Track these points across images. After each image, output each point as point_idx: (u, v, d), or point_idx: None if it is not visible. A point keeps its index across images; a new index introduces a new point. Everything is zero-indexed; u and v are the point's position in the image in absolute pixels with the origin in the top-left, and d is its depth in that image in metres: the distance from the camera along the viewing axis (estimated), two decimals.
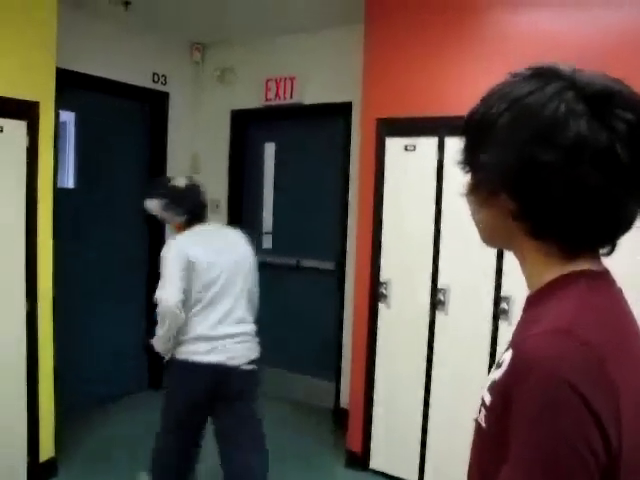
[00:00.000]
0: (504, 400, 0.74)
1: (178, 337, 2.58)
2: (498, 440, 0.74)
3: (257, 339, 2.79)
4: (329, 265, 4.38)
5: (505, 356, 0.77)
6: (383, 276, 3.37)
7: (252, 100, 4.59)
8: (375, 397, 3.44)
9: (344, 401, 4.10)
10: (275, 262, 4.72)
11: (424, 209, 3.21)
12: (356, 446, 3.54)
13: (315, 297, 4.56)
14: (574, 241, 0.81)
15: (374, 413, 3.45)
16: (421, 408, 3.27)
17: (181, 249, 2.61)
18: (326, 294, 4.44)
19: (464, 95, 3.04)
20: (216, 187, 4.88)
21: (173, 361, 2.65)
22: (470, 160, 0.86)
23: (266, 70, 4.49)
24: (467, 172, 0.88)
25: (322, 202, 4.48)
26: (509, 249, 0.90)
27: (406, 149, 3.27)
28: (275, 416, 4.44)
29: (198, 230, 2.75)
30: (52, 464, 3.36)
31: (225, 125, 4.81)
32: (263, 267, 4.76)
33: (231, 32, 4.53)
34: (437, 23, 3.18)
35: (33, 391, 3.19)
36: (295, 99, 4.34)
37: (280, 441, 4.02)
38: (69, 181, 4.23)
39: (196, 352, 2.57)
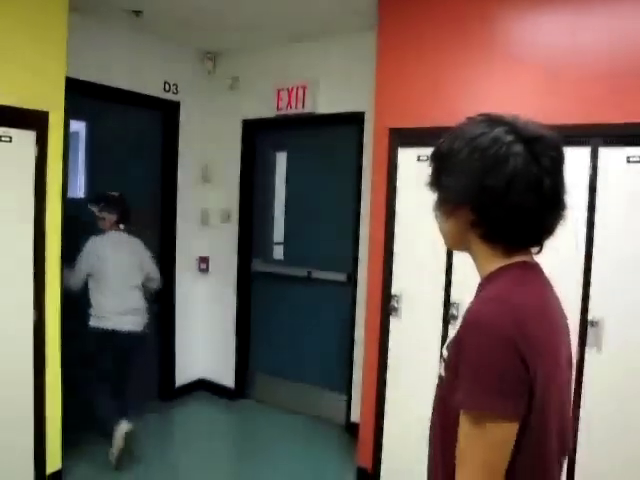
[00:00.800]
0: (457, 351, 1.05)
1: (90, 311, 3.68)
2: (453, 384, 1.04)
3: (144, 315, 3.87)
4: (340, 277, 4.32)
5: (458, 322, 1.09)
6: (395, 289, 3.31)
7: (264, 109, 4.56)
8: (386, 412, 3.37)
9: (355, 415, 4.03)
10: (286, 273, 4.68)
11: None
12: (366, 462, 3.47)
13: (326, 309, 4.50)
14: (513, 243, 1.12)
15: (385, 428, 3.38)
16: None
17: (92, 245, 3.67)
18: (337, 306, 4.38)
19: (477, 106, 3.00)
20: (227, 197, 4.86)
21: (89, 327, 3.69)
22: (437, 182, 1.15)
23: (277, 79, 4.46)
24: (434, 191, 1.17)
25: (334, 212, 4.42)
26: (466, 251, 1.19)
27: (419, 159, 3.21)
28: (285, 428, 4.41)
29: (113, 233, 3.77)
30: (58, 476, 3.33)
31: (236, 134, 4.79)
32: (274, 278, 4.77)
33: (243, 41, 4.50)
34: (450, 33, 3.13)
35: (40, 402, 3.16)
36: (307, 108, 4.30)
37: (290, 454, 3.99)
38: (80, 191, 4.21)
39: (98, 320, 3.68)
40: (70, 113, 3.34)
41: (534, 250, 1.16)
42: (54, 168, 3.14)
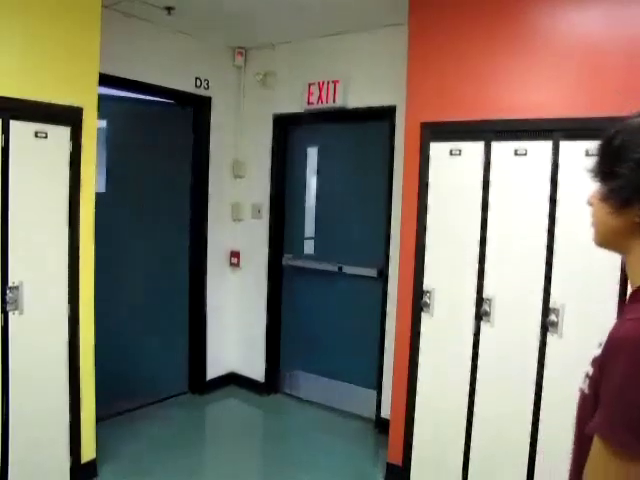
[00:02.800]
0: (601, 370, 0.97)
1: None
2: (594, 402, 0.98)
3: None
4: (371, 272, 4.30)
5: (604, 338, 1.00)
6: (427, 284, 3.27)
7: (294, 104, 4.56)
8: (417, 409, 3.35)
9: (385, 411, 4.01)
10: (317, 268, 4.67)
11: (470, 216, 3.10)
12: (396, 458, 3.45)
13: (357, 304, 4.48)
14: None
15: (415, 425, 3.35)
16: (464, 421, 3.16)
17: None
18: (368, 301, 4.36)
19: (510, 99, 2.99)
20: (258, 192, 4.87)
21: None
22: (609, 171, 1.05)
23: (308, 74, 4.45)
24: (600, 180, 1.08)
25: (365, 207, 4.40)
26: (619, 251, 1.10)
27: (451, 154, 3.17)
28: (315, 423, 4.41)
29: None
30: (93, 465, 3.40)
31: (267, 129, 4.79)
32: (304, 272, 4.77)
33: (273, 36, 4.50)
34: (482, 25, 3.07)
35: (75, 393, 3.23)
36: (338, 103, 4.28)
37: (320, 449, 3.98)
38: (110, 186, 4.22)
39: None
40: (102, 109, 3.38)
41: None
42: (88, 163, 3.19)
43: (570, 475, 1.13)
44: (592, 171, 1.09)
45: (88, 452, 3.35)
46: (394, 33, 3.82)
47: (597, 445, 0.96)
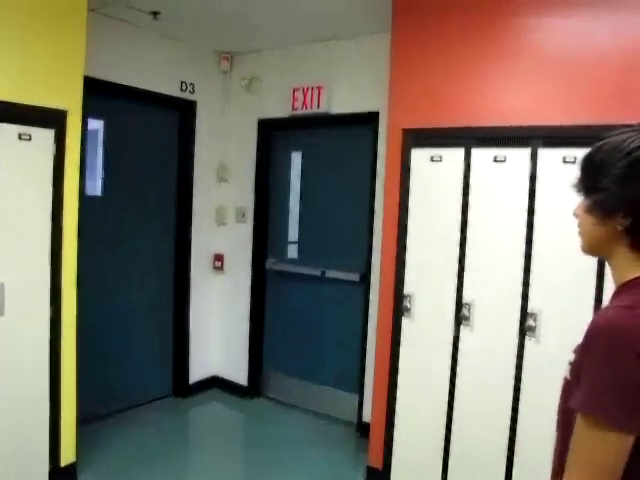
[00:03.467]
0: (582, 355, 1.06)
1: None
2: (576, 387, 1.06)
3: None
4: (354, 276, 4.33)
5: (580, 341, 1.08)
6: (407, 289, 3.31)
7: (279, 109, 4.59)
8: (397, 413, 3.38)
9: (367, 414, 4.03)
10: (300, 272, 4.70)
11: (450, 222, 3.15)
12: (377, 462, 3.48)
13: (340, 308, 4.52)
14: None
15: (396, 429, 3.38)
16: (444, 425, 3.20)
17: None
18: (350, 306, 4.39)
19: (491, 106, 3.04)
20: (242, 196, 4.90)
21: None
22: (592, 186, 1.15)
23: (293, 79, 4.49)
24: (583, 194, 1.18)
25: (348, 212, 4.44)
26: (604, 257, 1.20)
27: (432, 160, 3.22)
28: (297, 427, 4.43)
29: None
30: (72, 469, 3.38)
31: (252, 134, 4.82)
32: (288, 277, 4.80)
33: (259, 41, 4.53)
34: (464, 33, 3.13)
35: (55, 396, 3.22)
36: (322, 108, 4.32)
37: (301, 453, 4.00)
38: (97, 189, 4.26)
39: None
40: (88, 112, 3.38)
41: None
42: (72, 167, 3.19)
43: (554, 463, 1.19)
44: (576, 186, 1.19)
45: (68, 455, 3.34)
46: (378, 40, 3.86)
47: (579, 422, 1.03)
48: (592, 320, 1.07)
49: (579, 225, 1.22)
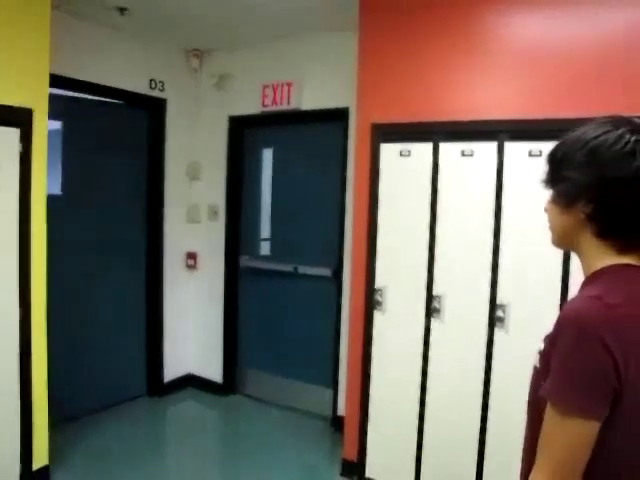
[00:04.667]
0: (551, 345, 1.08)
1: None
2: (546, 374, 1.08)
3: None
4: (326, 272, 4.36)
5: (548, 332, 1.11)
6: (378, 283, 3.34)
7: (249, 106, 4.58)
8: (370, 406, 3.41)
9: (341, 408, 4.06)
10: (273, 268, 4.71)
11: (419, 216, 3.18)
12: (351, 455, 3.51)
13: (312, 304, 4.53)
14: (627, 241, 1.13)
15: (369, 422, 3.42)
16: (416, 416, 3.24)
17: None
18: (323, 301, 4.41)
19: (458, 101, 3.08)
20: (214, 193, 4.88)
21: None
22: (555, 177, 1.20)
23: (263, 76, 4.48)
24: (549, 187, 1.22)
25: (320, 208, 4.45)
26: (572, 248, 1.22)
27: (401, 154, 3.25)
28: (273, 423, 4.44)
29: None
30: (45, 472, 3.35)
31: (223, 131, 4.81)
32: (261, 273, 4.80)
33: (228, 39, 4.51)
34: (431, 30, 3.16)
35: (26, 398, 3.18)
36: (292, 105, 4.33)
37: (277, 448, 4.01)
38: (57, 188, 4.13)
39: None
40: (53, 110, 3.34)
41: None
42: (38, 165, 3.15)
43: (524, 452, 1.22)
44: (543, 181, 1.23)
45: (40, 458, 3.31)
46: (347, 37, 3.87)
47: (548, 409, 1.06)
48: (562, 310, 1.10)
49: (548, 220, 1.25)
